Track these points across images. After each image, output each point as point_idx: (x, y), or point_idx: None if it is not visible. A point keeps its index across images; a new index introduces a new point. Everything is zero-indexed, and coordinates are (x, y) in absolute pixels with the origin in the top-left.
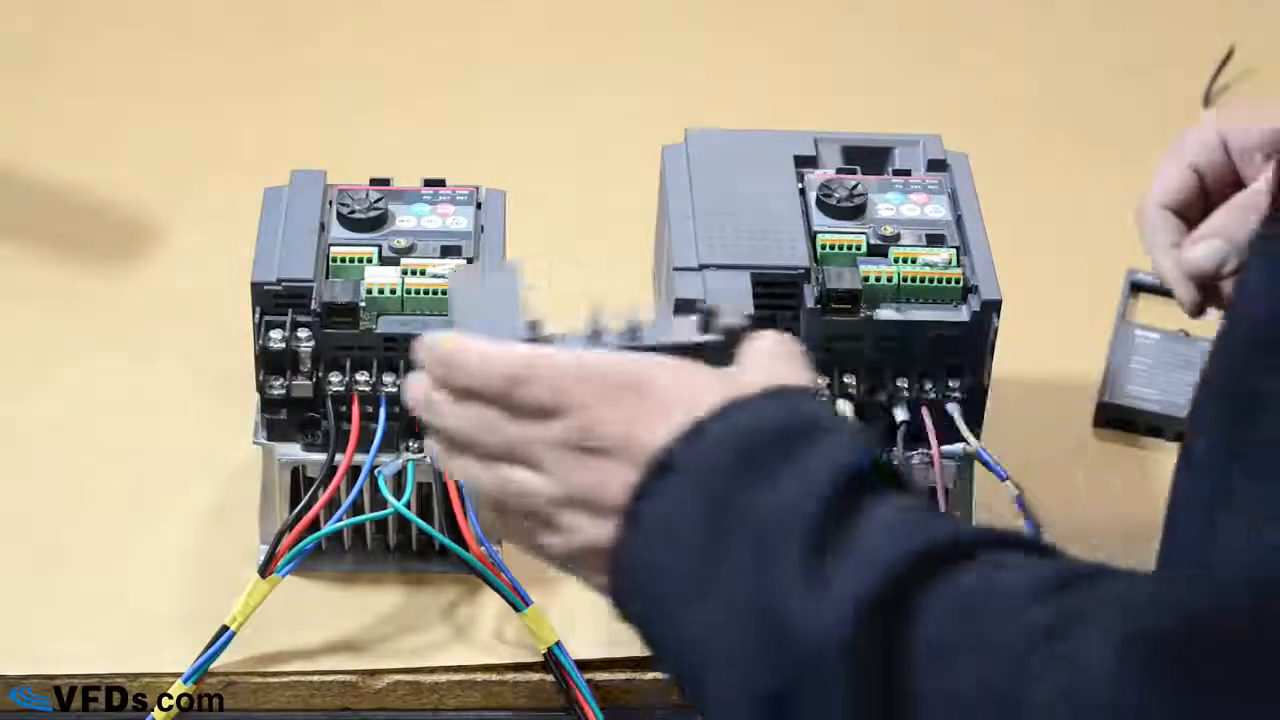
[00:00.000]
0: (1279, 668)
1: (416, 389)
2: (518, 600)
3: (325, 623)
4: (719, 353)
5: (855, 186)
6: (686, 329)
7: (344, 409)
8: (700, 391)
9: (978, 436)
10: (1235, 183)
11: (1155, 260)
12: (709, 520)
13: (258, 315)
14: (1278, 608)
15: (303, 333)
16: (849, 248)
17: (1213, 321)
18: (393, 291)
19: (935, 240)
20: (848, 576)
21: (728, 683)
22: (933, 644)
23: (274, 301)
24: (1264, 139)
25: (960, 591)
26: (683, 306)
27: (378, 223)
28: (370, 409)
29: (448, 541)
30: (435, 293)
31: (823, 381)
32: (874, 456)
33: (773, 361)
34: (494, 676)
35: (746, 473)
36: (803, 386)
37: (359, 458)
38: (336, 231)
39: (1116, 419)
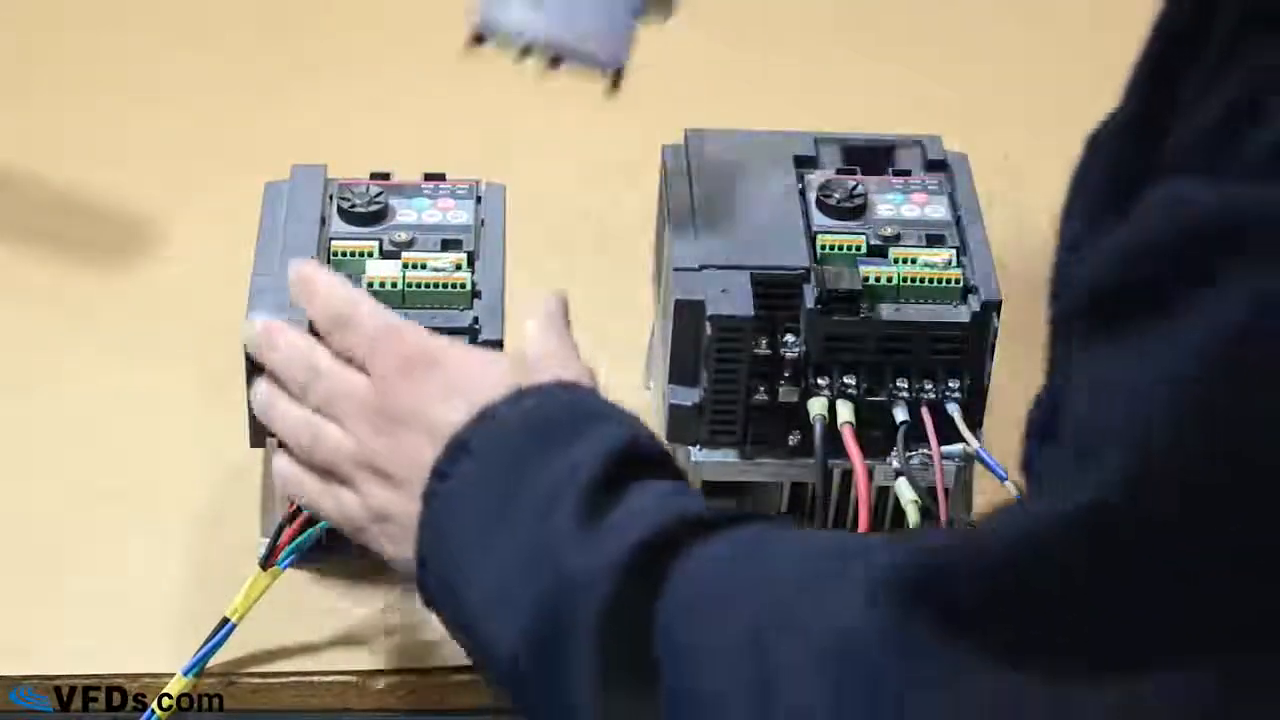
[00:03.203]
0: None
1: (258, 323)
2: None
3: (326, 621)
4: None
5: (855, 186)
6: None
7: None
8: (488, 376)
9: (978, 437)
10: None
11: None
12: (500, 491)
13: None
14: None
15: None
16: (849, 248)
17: None
18: (394, 285)
19: (935, 240)
20: (616, 532)
21: (504, 628)
22: (686, 596)
23: None
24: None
25: (714, 552)
26: (680, 308)
27: (378, 217)
28: None
29: None
30: (436, 286)
31: (822, 382)
32: (650, 443)
33: (564, 365)
34: None
35: (534, 449)
36: (589, 386)
37: None
38: (337, 226)
39: None
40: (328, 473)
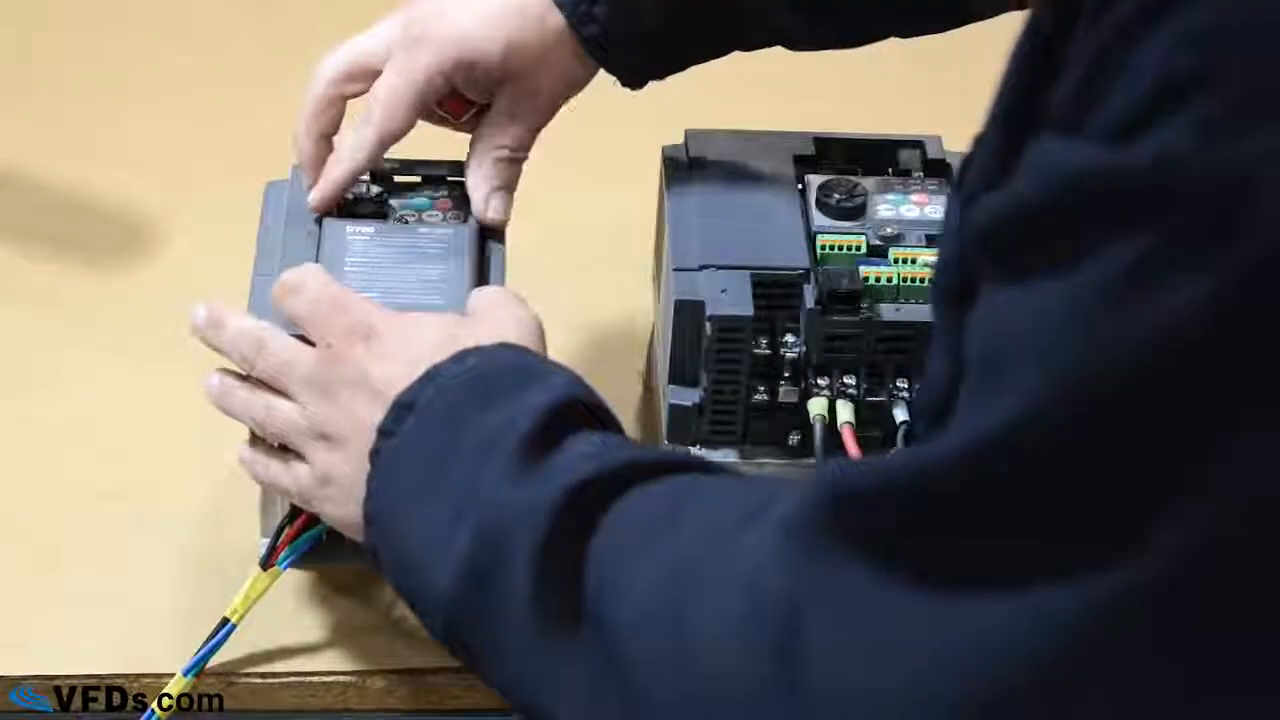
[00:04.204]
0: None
1: (203, 309)
2: None
3: (326, 621)
4: None
5: (855, 187)
6: None
7: None
8: (425, 334)
9: None
10: None
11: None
12: (441, 444)
13: None
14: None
15: None
16: (849, 248)
17: None
18: None
19: (935, 240)
20: (555, 474)
21: (441, 569)
22: (616, 536)
23: None
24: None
25: (646, 497)
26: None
27: (379, 217)
28: None
29: None
30: None
31: (822, 382)
32: (591, 398)
33: (509, 317)
34: None
35: (476, 404)
36: (534, 347)
37: None
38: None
39: None
40: (285, 449)
